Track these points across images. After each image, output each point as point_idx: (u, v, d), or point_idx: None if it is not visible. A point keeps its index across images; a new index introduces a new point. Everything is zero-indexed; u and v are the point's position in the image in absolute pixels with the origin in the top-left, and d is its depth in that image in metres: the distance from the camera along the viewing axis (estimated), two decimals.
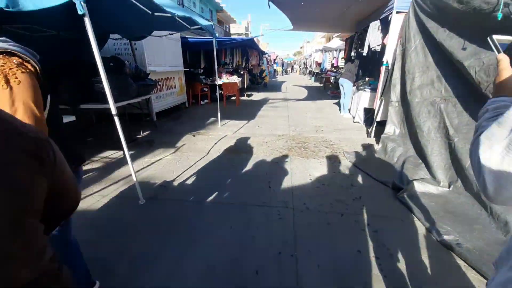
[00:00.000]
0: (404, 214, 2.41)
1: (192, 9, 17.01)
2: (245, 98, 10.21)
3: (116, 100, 4.24)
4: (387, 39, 4.32)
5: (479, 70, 2.39)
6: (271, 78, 20.58)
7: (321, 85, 15.49)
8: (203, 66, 10.03)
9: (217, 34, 4.92)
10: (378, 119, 4.58)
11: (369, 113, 5.70)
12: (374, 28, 4.87)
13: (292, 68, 37.67)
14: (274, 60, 26.17)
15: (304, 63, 25.86)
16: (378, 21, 4.82)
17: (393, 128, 3.90)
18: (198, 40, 8.20)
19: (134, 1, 2.83)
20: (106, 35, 5.12)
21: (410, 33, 3.66)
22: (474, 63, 2.44)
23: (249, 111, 7.41)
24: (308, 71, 22.25)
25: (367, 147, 4.13)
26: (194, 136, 4.91)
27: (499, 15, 2.07)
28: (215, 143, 4.43)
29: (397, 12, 4.14)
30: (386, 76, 4.38)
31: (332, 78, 13.29)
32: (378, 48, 4.94)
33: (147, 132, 5.25)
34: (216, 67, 5.33)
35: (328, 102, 9.03)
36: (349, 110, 6.57)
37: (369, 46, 4.99)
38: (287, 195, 2.73)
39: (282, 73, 30.09)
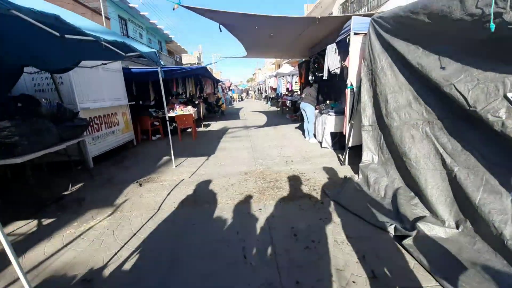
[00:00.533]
0: (423, 276, 1.86)
1: (139, 40, 16.17)
2: (202, 129, 9.45)
3: (26, 150, 3.18)
4: (348, 61, 4.11)
5: (473, 88, 2.08)
6: (227, 105, 20.27)
7: (278, 109, 15.57)
8: (153, 98, 9.11)
9: (162, 63, 4.23)
10: (350, 144, 4.24)
11: (336, 137, 5.42)
12: (331, 51, 4.70)
13: (247, 94, 38.34)
14: (229, 87, 26.20)
15: (258, 88, 26.36)
16: (335, 44, 4.67)
17: (370, 155, 3.53)
18: (143, 70, 7.38)
19: (33, 21, 2.03)
20: (19, 68, 4.07)
21: (374, 54, 3.45)
22: (465, 80, 2.15)
23: (207, 145, 6.66)
24: (263, 96, 22.56)
25: (346, 179, 3.67)
26: (141, 185, 3.95)
27: (492, 26, 1.79)
28: (168, 194, 3.54)
29: (355, 34, 3.98)
30: (352, 99, 4.12)
31: (288, 102, 13.41)
32: (337, 71, 4.76)
33: (79, 185, 4.12)
34: (164, 98, 4.58)
35: (290, 127, 8.77)
36: (314, 135, 6.26)
37: (328, 69, 4.78)
38: (270, 269, 2.00)
39: (238, 100, 30.23)
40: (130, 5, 14.76)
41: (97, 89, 5.41)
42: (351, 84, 4.11)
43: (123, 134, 6.37)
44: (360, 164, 3.55)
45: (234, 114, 14.50)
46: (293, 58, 9.30)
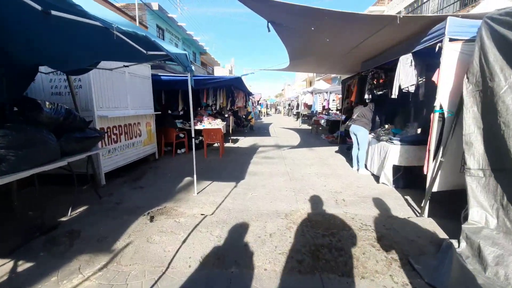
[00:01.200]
0: None
1: None
2: (230, 144, 8.65)
3: (12, 168, 2.41)
4: (437, 76, 3.03)
5: None
6: (256, 119, 19.59)
7: (311, 127, 14.49)
8: (181, 108, 8.55)
9: (193, 68, 3.47)
10: (435, 189, 3.08)
11: (399, 171, 4.25)
12: (405, 63, 3.65)
13: (276, 109, 37.64)
14: (258, 101, 25.68)
15: (289, 104, 25.51)
16: (410, 55, 3.62)
17: (483, 215, 2.36)
18: (173, 78, 6.80)
19: None
20: (33, 67, 3.53)
21: (490, 67, 2.35)
22: None
23: (236, 165, 5.77)
24: (294, 113, 21.61)
25: (444, 245, 2.50)
26: (152, 219, 3.09)
27: None
28: (184, 240, 2.62)
29: (451, 40, 2.92)
30: (442, 127, 3.01)
31: (323, 120, 12.31)
32: (411, 89, 3.68)
33: (82, 209, 3.38)
34: (191, 108, 3.80)
35: (328, 150, 7.66)
36: (366, 165, 5.12)
37: (399, 87, 3.71)
38: None
39: (265, 115, 29.57)
40: (169, 15, 14.89)
41: (120, 95, 4.81)
42: (441, 107, 3.01)
43: (144, 147, 5.71)
44: (464, 226, 2.39)
45: (263, 130, 13.66)
46: (340, 73, 8.34)
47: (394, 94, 3.77)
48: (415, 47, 3.56)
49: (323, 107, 12.23)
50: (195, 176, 3.96)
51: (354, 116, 5.16)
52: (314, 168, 5.53)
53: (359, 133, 5.04)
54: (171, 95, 8.55)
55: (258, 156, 6.83)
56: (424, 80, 3.68)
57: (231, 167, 5.67)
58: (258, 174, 5.07)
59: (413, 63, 3.63)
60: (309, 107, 13.43)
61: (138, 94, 5.43)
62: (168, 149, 7.20)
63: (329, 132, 11.85)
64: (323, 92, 12.23)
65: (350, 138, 9.73)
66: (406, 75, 3.67)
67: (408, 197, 3.81)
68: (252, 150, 7.63)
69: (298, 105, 19.09)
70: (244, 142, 9.35)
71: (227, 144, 8.64)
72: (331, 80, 20.83)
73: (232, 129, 10.41)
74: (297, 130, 13.23)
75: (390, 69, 4.70)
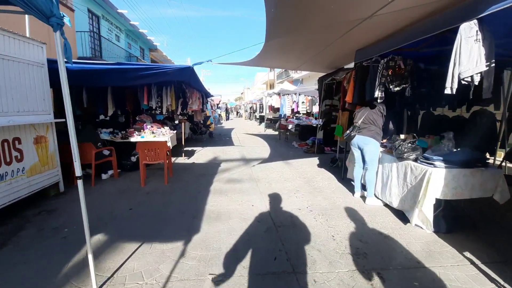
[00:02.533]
0: None
1: (115, 43, 13.42)
2: (183, 159, 6.59)
3: None
4: None
5: None
6: (216, 124, 17.55)
7: (277, 132, 13.07)
8: (111, 113, 6.24)
9: (68, 23, 1.52)
10: None
11: (437, 207, 2.80)
12: (467, 36, 2.18)
13: (237, 112, 35.86)
14: (217, 104, 23.64)
15: (250, 107, 23.97)
16: (475, 22, 2.16)
17: None
18: (95, 67, 4.50)
19: None
20: None
21: None
22: None
23: (187, 199, 3.82)
24: (257, 116, 20.10)
25: None
26: None
27: None
28: None
29: None
30: None
31: (291, 126, 10.92)
32: (477, 79, 2.22)
33: None
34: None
35: (308, 164, 6.13)
36: (376, 194, 3.64)
37: (458, 76, 2.22)
38: None
39: (226, 119, 27.58)
40: None
41: None
42: None
43: (31, 177, 3.41)
44: None
45: (225, 137, 11.74)
46: (317, 69, 6.85)
47: (451, 88, 2.27)
48: (474, 11, 2.12)
49: (292, 110, 10.84)
50: (90, 257, 1.93)
51: (359, 123, 3.63)
52: (302, 198, 3.86)
53: (368, 147, 3.52)
54: (97, 95, 6.20)
55: (220, 178, 4.94)
56: (493, 65, 2.25)
57: (179, 203, 3.69)
58: (222, 218, 3.20)
59: (479, 36, 2.17)
60: (275, 110, 11.97)
61: (15, 92, 3.15)
62: (88, 173, 4.89)
63: (300, 138, 10.49)
64: (291, 94, 10.83)
65: (328, 146, 8.48)
66: (468, 55, 2.20)
67: (473, 257, 2.34)
68: (212, 168, 5.71)
69: (261, 108, 17.62)
70: (202, 154, 7.35)
71: (179, 159, 6.57)
72: (293, 82, 19.84)
73: (185, 138, 8.32)
74: (263, 137, 11.63)
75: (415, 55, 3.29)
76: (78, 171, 1.82)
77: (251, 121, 23.54)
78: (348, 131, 3.72)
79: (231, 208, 3.47)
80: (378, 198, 3.65)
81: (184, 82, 6.16)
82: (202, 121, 10.70)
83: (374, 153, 3.53)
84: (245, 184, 4.54)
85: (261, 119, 18.65)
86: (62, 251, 2.45)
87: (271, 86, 30.27)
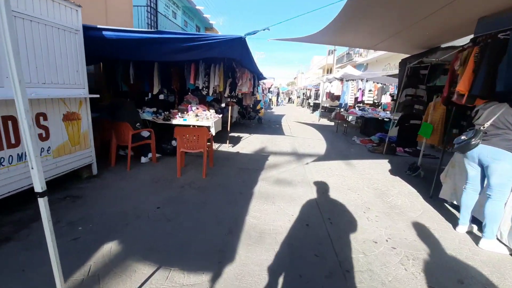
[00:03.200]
0: None
1: (171, 19, 13.37)
2: (226, 147, 5.96)
3: None
4: None
5: None
6: (266, 109, 16.74)
7: (332, 123, 11.66)
8: (157, 91, 5.85)
9: None
10: None
11: None
12: None
13: (289, 98, 34.38)
14: (269, 88, 22.66)
15: (304, 93, 22.43)
16: None
17: None
18: (141, 36, 3.94)
19: None
20: None
21: None
22: None
23: (224, 201, 3.09)
24: (310, 104, 18.63)
25: None
26: None
27: None
28: None
29: None
30: None
31: (351, 117, 9.39)
32: None
33: None
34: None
35: (377, 168, 4.89)
36: (498, 236, 2.38)
37: None
38: None
39: (276, 104, 26.51)
40: None
41: None
42: None
43: (60, 157, 3.07)
44: None
45: (275, 124, 10.86)
46: (400, 49, 5.41)
47: None
48: None
49: (356, 99, 9.31)
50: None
51: (485, 126, 2.34)
52: (377, 223, 2.80)
53: (499, 164, 2.24)
54: (144, 71, 5.85)
55: (267, 176, 4.11)
56: None
57: (215, 205, 2.99)
58: (265, 239, 2.38)
59: None
60: (334, 98, 10.52)
61: (41, 60, 2.73)
62: (121, 156, 4.55)
63: (362, 133, 8.99)
64: (357, 80, 9.25)
65: (403, 146, 6.83)
66: None
67: None
68: (258, 162, 4.92)
69: (317, 95, 16.12)
70: (248, 143, 6.63)
71: (222, 147, 5.95)
72: (355, 67, 17.58)
73: (232, 123, 7.69)
74: (317, 127, 10.39)
75: None
76: (37, 186, 1.13)
77: (304, 108, 22.09)
78: (463, 137, 2.45)
79: (278, 225, 2.62)
80: (501, 242, 2.39)
81: (235, 60, 5.36)
82: (251, 105, 9.96)
83: (509, 175, 2.25)
84: (297, 189, 3.63)
85: (315, 107, 17.17)
86: (65, 258, 1.93)
87: (329, 71, 27.90)
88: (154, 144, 4.50)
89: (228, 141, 6.17)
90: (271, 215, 2.83)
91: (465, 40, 3.78)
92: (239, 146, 6.22)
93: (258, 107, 10.92)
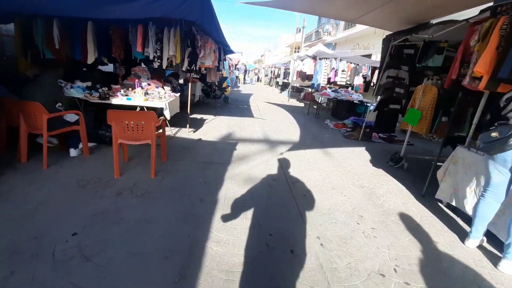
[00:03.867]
0: None
1: None
2: (186, 133, 4.98)
3: None
4: None
5: None
6: (232, 87, 15.58)
7: (302, 104, 11.16)
8: (91, 61, 4.52)
9: None
10: None
11: None
12: None
13: (258, 78, 33.10)
14: (236, 65, 21.23)
15: (272, 71, 21.50)
16: None
17: None
18: None
19: None
20: None
21: None
22: None
23: (180, 219, 2.24)
24: (279, 83, 17.88)
25: None
26: None
27: None
28: None
29: None
30: None
31: (322, 98, 8.88)
32: None
33: None
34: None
35: (357, 158, 4.40)
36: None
37: None
38: None
39: (243, 82, 25.26)
40: None
41: None
42: None
43: None
44: None
45: (242, 104, 9.94)
46: (384, 24, 4.80)
47: None
48: None
49: (328, 79, 8.74)
50: None
51: None
52: (375, 240, 2.23)
53: (500, 170, 1.74)
54: (74, 32, 4.46)
55: (235, 173, 3.32)
56: None
57: (163, 225, 2.13)
58: (235, 278, 1.63)
59: None
60: (304, 77, 9.86)
61: None
62: (50, 145, 3.36)
63: (334, 116, 8.56)
64: (331, 58, 8.62)
65: (381, 132, 6.37)
66: None
67: None
68: (224, 152, 4.09)
69: (286, 74, 15.37)
70: (213, 127, 5.70)
71: (181, 132, 4.96)
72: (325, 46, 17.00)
73: (194, 102, 6.63)
74: (288, 108, 9.75)
75: None
76: None
77: (271, 87, 21.30)
78: (494, 133, 1.89)
79: (252, 256, 1.89)
80: None
81: (195, 24, 4.25)
82: (217, 83, 8.86)
83: None
84: (273, 191, 2.91)
85: (284, 86, 16.47)
86: None
87: (297, 49, 27.09)
88: (85, 131, 3.37)
89: (188, 125, 5.16)
90: (242, 237, 2.08)
91: (468, 13, 3.24)
92: (202, 131, 5.28)
93: (224, 85, 9.85)
